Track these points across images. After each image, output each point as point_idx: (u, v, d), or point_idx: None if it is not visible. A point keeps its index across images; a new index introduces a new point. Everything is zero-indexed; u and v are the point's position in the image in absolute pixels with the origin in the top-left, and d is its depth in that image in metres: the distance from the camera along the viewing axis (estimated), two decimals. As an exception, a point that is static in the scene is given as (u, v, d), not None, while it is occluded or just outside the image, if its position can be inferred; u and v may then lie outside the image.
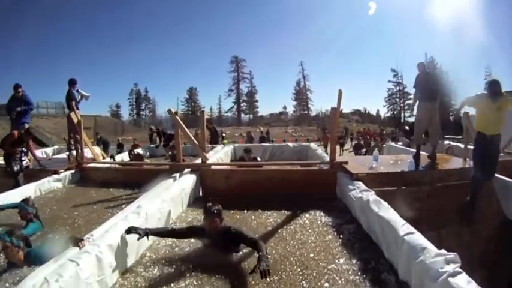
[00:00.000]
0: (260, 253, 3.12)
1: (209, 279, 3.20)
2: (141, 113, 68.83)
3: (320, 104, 55.75)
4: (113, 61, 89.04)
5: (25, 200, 4.79)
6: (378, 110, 66.91)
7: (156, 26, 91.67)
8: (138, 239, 3.40)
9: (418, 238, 3.11)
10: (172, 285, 3.13)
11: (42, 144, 8.78)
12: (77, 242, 3.20)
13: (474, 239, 5.31)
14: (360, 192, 4.86)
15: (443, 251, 2.78)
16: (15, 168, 7.08)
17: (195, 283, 3.16)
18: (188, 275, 3.30)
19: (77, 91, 8.80)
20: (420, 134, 7.60)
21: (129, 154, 10.96)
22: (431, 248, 2.89)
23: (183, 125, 6.82)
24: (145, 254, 3.86)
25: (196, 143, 6.83)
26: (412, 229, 3.32)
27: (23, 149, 7.45)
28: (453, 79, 45.95)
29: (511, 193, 5.51)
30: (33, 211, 4.70)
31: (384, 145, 14.29)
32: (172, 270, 3.42)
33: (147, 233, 3.51)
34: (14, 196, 5.92)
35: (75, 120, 8.38)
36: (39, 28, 77.39)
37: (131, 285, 3.19)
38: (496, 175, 5.80)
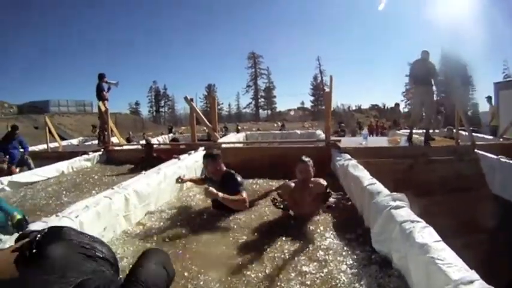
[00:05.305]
0: None
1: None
2: (160, 109, 70.02)
3: (337, 99, 55.64)
4: (132, 59, 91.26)
5: None
6: (397, 105, 66.45)
7: (174, 23, 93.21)
8: None
9: (377, 186, 3.79)
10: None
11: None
12: None
13: (459, 206, 5.65)
14: (344, 161, 5.59)
15: (394, 193, 3.37)
16: None
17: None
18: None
19: (106, 82, 9.87)
20: (414, 117, 8.29)
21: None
22: (385, 191, 3.55)
23: (198, 110, 7.78)
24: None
25: (209, 125, 7.68)
26: (375, 181, 4.03)
27: None
28: (471, 73, 45.82)
29: (495, 170, 5.98)
30: None
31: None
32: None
33: None
34: (50, 171, 6.94)
35: (102, 109, 9.46)
36: (61, 29, 79.93)
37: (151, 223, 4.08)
38: (484, 153, 6.38)
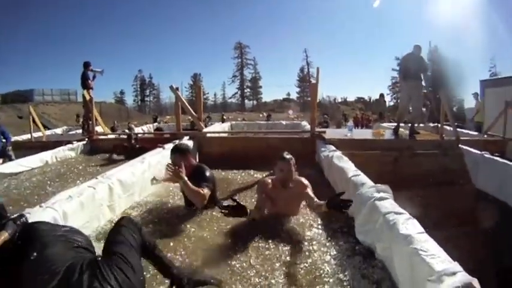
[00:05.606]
0: None
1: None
2: (146, 99, 69.19)
3: (323, 91, 55.50)
4: (117, 48, 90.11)
5: None
6: (382, 96, 66.80)
7: (160, 12, 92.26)
8: None
9: (361, 178, 3.86)
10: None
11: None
12: None
13: (442, 200, 5.61)
14: (329, 152, 5.61)
15: (378, 184, 3.42)
16: None
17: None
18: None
19: (92, 70, 9.75)
20: (402, 110, 8.33)
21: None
22: (370, 183, 3.61)
23: (183, 99, 7.73)
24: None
25: (195, 114, 7.63)
26: (359, 172, 4.10)
27: None
28: (457, 69, 46.24)
29: (479, 165, 6.04)
30: None
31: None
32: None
33: None
34: (34, 161, 6.85)
35: (87, 97, 9.38)
36: (43, 18, 78.73)
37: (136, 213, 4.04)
38: (468, 149, 6.44)
